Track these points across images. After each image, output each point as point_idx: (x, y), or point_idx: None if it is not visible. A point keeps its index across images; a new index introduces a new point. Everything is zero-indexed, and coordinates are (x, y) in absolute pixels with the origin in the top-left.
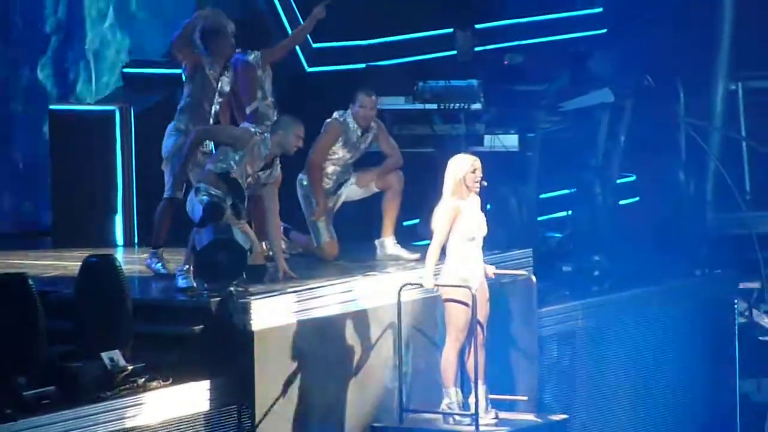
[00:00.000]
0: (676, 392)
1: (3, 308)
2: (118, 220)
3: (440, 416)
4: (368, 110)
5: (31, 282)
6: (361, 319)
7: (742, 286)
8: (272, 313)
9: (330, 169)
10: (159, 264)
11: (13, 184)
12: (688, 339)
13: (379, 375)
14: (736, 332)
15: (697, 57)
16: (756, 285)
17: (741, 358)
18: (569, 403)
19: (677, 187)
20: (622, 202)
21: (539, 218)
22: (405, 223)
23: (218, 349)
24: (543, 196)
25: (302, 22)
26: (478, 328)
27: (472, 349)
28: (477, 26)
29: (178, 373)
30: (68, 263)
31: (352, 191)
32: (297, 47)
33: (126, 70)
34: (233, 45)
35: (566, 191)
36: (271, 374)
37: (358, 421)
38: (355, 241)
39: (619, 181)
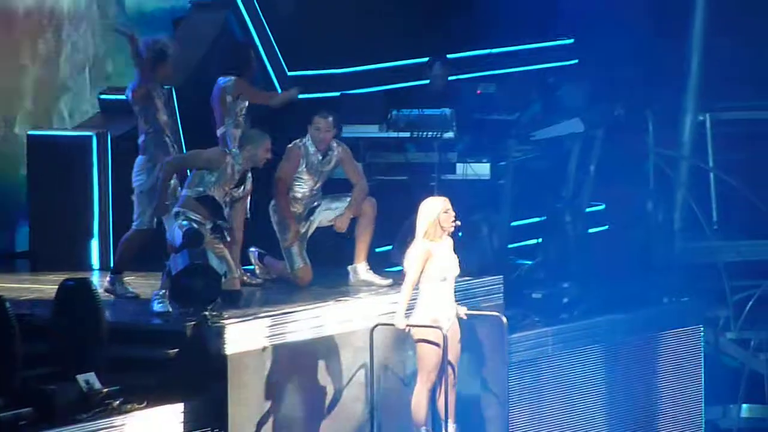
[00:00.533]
0: (644, 418)
1: None
2: (95, 244)
3: None
4: (323, 132)
5: (8, 305)
6: (333, 344)
7: (709, 314)
8: (246, 337)
9: (299, 194)
10: (121, 288)
11: None
12: (656, 365)
13: (351, 409)
14: (703, 359)
15: (666, 88)
16: (723, 313)
17: (707, 384)
18: (538, 428)
19: (646, 217)
20: (591, 231)
21: (510, 245)
22: (378, 249)
23: (193, 373)
24: (514, 223)
25: (278, 51)
26: (449, 368)
27: (443, 388)
28: (449, 56)
29: (153, 396)
30: (45, 286)
31: (324, 216)
32: (273, 75)
33: (103, 96)
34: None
35: (537, 219)
36: (245, 398)
37: None
38: (329, 266)
39: (588, 210)
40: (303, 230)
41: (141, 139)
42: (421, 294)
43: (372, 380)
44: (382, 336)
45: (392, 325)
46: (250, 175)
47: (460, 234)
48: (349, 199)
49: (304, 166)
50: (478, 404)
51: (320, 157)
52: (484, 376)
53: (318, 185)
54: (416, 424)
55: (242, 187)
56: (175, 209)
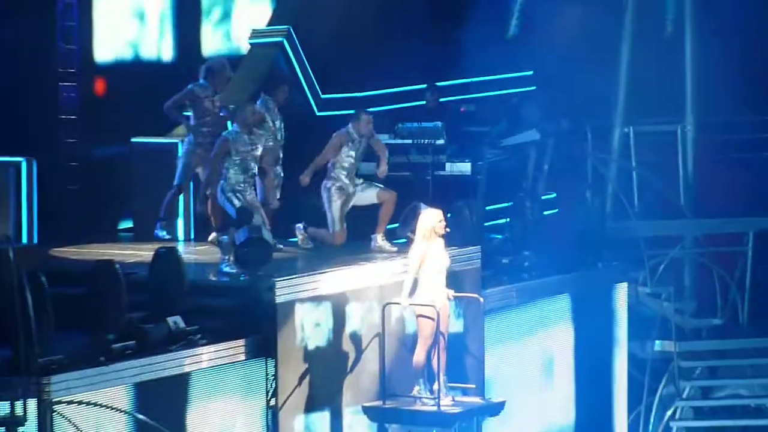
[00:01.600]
0: (584, 351)
1: (97, 285)
2: (180, 222)
3: (412, 399)
4: (368, 123)
5: (117, 266)
6: (355, 297)
7: (631, 274)
8: (290, 291)
9: (346, 163)
10: (164, 231)
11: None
12: (593, 312)
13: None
14: (627, 308)
15: (601, 108)
16: (641, 274)
17: (630, 326)
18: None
19: (585, 203)
20: (545, 213)
21: (485, 224)
22: (388, 227)
23: (251, 317)
24: (488, 207)
25: (314, 78)
26: (441, 336)
27: (437, 351)
28: (439, 84)
29: (222, 334)
30: (144, 253)
31: (359, 198)
32: (310, 96)
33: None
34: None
35: (505, 204)
36: (289, 336)
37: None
38: (357, 240)
39: (543, 198)
40: (346, 204)
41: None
42: (420, 281)
43: (383, 344)
44: (392, 312)
45: (399, 303)
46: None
47: (449, 214)
48: (378, 189)
49: (348, 144)
50: (461, 362)
51: (358, 138)
52: (466, 342)
53: (356, 159)
54: (416, 376)
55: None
56: (221, 183)
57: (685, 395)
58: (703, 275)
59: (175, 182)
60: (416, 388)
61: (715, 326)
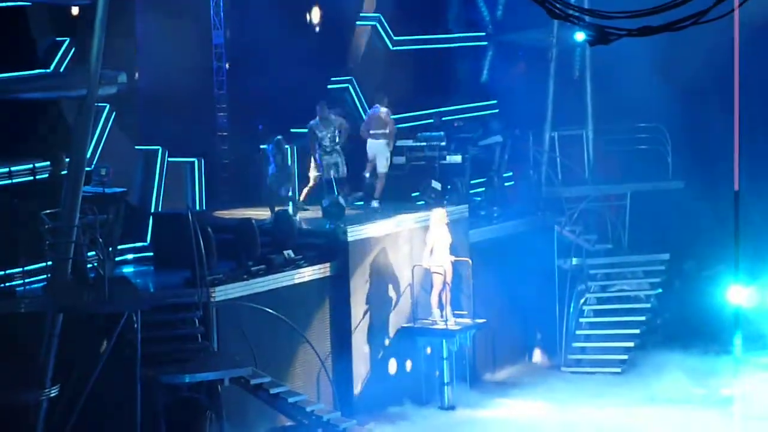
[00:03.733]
0: (531, 272)
1: (241, 233)
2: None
3: (431, 321)
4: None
5: (253, 221)
6: (393, 237)
7: (558, 219)
8: (357, 232)
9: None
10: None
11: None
12: (537, 245)
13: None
14: (555, 240)
15: (538, 120)
16: (564, 219)
17: (557, 249)
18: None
19: (529, 177)
20: (506, 184)
21: (470, 191)
22: (412, 194)
23: (333, 250)
24: (472, 182)
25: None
26: (446, 285)
27: (445, 293)
28: (441, 109)
29: (317, 260)
30: (268, 213)
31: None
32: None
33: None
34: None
35: (481, 180)
36: (358, 262)
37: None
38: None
39: (504, 175)
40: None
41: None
42: (434, 251)
43: (413, 290)
44: (418, 270)
45: (421, 265)
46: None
47: (449, 186)
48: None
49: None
50: (459, 299)
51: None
52: (461, 288)
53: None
54: (433, 307)
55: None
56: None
57: (591, 290)
58: (600, 219)
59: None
60: (433, 314)
61: (608, 248)
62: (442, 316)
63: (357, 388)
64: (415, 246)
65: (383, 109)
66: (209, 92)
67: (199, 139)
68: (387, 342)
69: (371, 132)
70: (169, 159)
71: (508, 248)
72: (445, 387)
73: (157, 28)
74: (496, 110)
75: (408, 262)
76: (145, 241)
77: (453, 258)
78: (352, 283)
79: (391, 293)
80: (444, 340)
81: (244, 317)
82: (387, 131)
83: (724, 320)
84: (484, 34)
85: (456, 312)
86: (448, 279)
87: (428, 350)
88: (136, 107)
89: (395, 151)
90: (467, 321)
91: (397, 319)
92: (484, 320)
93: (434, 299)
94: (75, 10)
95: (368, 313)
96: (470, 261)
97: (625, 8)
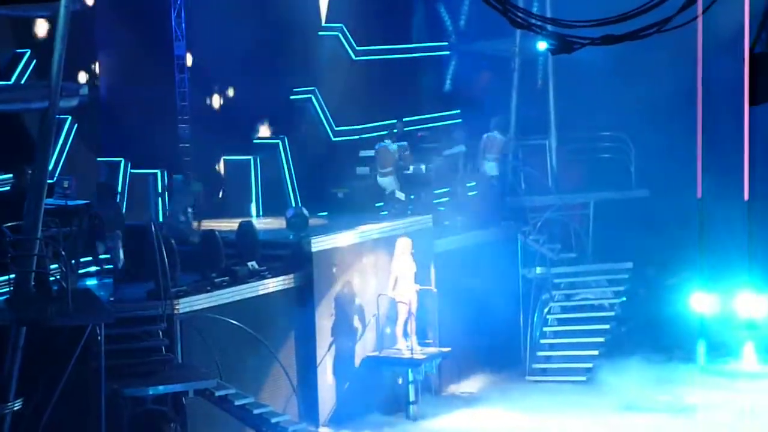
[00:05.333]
0: (494, 277)
1: (205, 245)
2: (253, 206)
3: (396, 350)
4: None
5: (217, 233)
6: (358, 246)
7: (523, 228)
8: (321, 243)
9: None
10: None
11: None
12: (501, 253)
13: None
14: (519, 249)
15: (501, 130)
16: (529, 228)
17: (522, 259)
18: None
19: (493, 187)
20: (470, 194)
21: (434, 201)
22: (377, 205)
23: (298, 260)
24: (435, 191)
25: (330, 118)
26: (411, 314)
27: (410, 322)
28: (405, 119)
29: (281, 271)
30: (233, 225)
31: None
32: (328, 127)
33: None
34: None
35: (445, 189)
36: (323, 272)
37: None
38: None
39: (468, 185)
40: None
41: None
42: (398, 282)
43: (378, 318)
44: (383, 299)
45: (386, 295)
46: None
47: (412, 197)
48: None
49: None
50: (424, 327)
51: None
52: (426, 317)
53: None
54: (398, 336)
55: None
56: None
57: (555, 299)
58: (564, 228)
59: None
60: (398, 344)
61: (572, 257)
62: (407, 346)
63: (322, 399)
64: (380, 256)
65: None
66: (171, 104)
67: (162, 150)
68: (354, 353)
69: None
70: (132, 171)
71: (472, 258)
72: (410, 405)
73: (118, 40)
74: (460, 120)
75: (373, 272)
76: (109, 254)
77: (418, 287)
78: (317, 294)
79: (356, 302)
80: (410, 369)
81: (209, 329)
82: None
83: (688, 328)
84: (447, 43)
85: (422, 341)
86: (413, 309)
87: (399, 380)
88: (98, 119)
89: (359, 162)
90: (433, 350)
91: (362, 328)
92: (449, 349)
93: (399, 329)
94: (37, 23)
95: (333, 323)
96: (435, 289)
97: (588, 17)
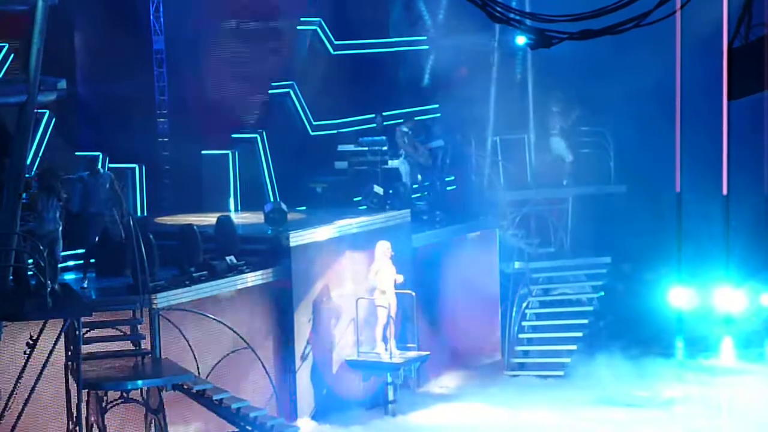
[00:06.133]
0: (473, 272)
1: (183, 239)
2: (232, 201)
3: (375, 354)
4: None
5: (195, 227)
6: (336, 241)
7: (501, 223)
8: (300, 238)
9: None
10: None
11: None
12: (479, 247)
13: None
14: (498, 243)
15: (479, 125)
16: (506, 222)
17: (500, 253)
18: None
19: (471, 181)
20: (448, 189)
21: (413, 195)
22: (355, 199)
23: (277, 255)
24: (414, 186)
25: (308, 110)
26: (391, 318)
27: (389, 326)
28: (384, 113)
29: (260, 266)
30: (212, 219)
31: None
32: (306, 122)
33: None
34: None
35: (425, 184)
36: (301, 267)
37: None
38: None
39: (447, 179)
40: None
41: None
42: (378, 285)
43: (357, 322)
44: (363, 302)
45: (365, 298)
46: None
47: (390, 191)
48: None
49: None
50: (405, 331)
51: None
52: (406, 321)
53: None
54: (377, 339)
55: None
56: None
57: (534, 294)
58: (543, 222)
59: None
60: (377, 347)
61: (550, 252)
62: (386, 350)
63: (300, 393)
64: (359, 250)
65: None
66: (150, 98)
67: (141, 145)
68: (331, 349)
69: None
70: (110, 165)
71: (450, 253)
72: (389, 405)
73: (96, 34)
74: (438, 114)
75: (350, 266)
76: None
77: (394, 291)
78: (295, 288)
79: (335, 296)
80: (389, 373)
81: (187, 323)
82: None
83: (666, 322)
84: (425, 38)
85: (401, 345)
86: (393, 313)
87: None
88: (76, 113)
89: (337, 156)
90: (412, 354)
91: (341, 323)
92: (428, 353)
93: (378, 333)
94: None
95: (312, 318)
96: (413, 293)
97: (567, 12)
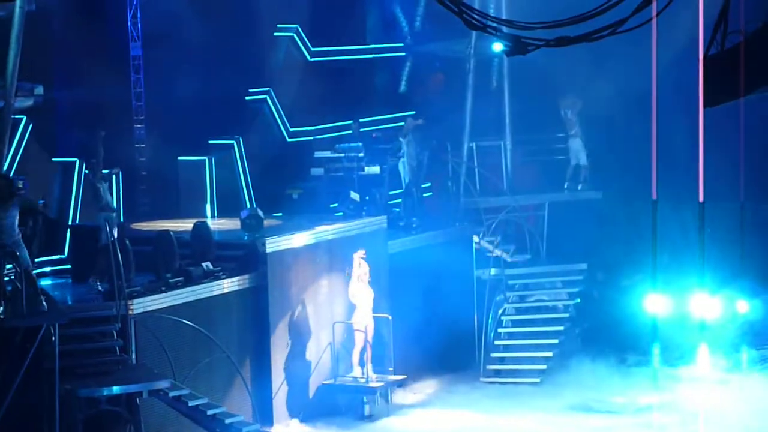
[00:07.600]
0: (450, 283)
1: (159, 245)
2: (208, 207)
3: (351, 378)
4: None
5: (171, 233)
6: (313, 247)
7: (476, 230)
8: (276, 244)
9: None
10: None
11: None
12: (455, 256)
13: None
14: (473, 251)
15: (455, 131)
16: (481, 230)
17: (476, 260)
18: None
19: (447, 188)
20: (425, 195)
21: (389, 202)
22: (331, 206)
23: (252, 261)
24: (390, 193)
25: (285, 117)
26: (368, 342)
27: (366, 350)
28: (361, 120)
29: (236, 272)
30: (188, 225)
31: None
32: (283, 129)
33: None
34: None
35: (400, 190)
36: (277, 273)
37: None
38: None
39: (423, 186)
40: None
41: None
42: (356, 309)
43: (334, 341)
44: (339, 327)
45: (343, 322)
46: None
47: (367, 197)
48: None
49: None
50: (381, 354)
51: None
52: (382, 344)
53: None
54: (354, 364)
55: None
56: None
57: (510, 300)
58: (519, 229)
59: None
60: (354, 371)
61: (526, 259)
62: (362, 374)
63: (276, 399)
64: (334, 256)
65: None
66: (127, 104)
67: (117, 150)
68: (307, 355)
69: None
70: (87, 171)
71: (426, 259)
72: (365, 417)
73: (73, 40)
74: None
75: (326, 273)
76: (63, 254)
77: (371, 315)
78: (271, 294)
79: (310, 302)
80: (365, 396)
81: (163, 330)
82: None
83: (642, 329)
84: (402, 45)
85: (376, 368)
86: (369, 337)
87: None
88: (53, 119)
89: (314, 163)
90: (388, 378)
91: (317, 329)
92: (404, 376)
93: (355, 357)
94: None
95: (287, 324)
96: (390, 317)
97: (543, 19)
